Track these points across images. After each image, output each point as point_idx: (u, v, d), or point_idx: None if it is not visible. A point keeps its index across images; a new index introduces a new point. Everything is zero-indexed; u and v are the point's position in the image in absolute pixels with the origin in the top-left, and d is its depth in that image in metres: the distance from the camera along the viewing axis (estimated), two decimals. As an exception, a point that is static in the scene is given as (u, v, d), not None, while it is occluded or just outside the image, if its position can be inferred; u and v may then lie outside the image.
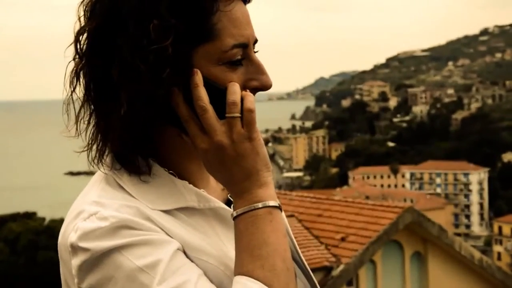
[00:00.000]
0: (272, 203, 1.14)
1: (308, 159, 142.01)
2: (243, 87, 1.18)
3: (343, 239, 13.59)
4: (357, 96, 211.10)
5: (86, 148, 1.21)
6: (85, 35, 1.18)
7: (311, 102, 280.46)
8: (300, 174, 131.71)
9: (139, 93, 1.11)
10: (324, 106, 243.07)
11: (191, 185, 1.21)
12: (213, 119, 1.14)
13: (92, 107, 1.19)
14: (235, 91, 1.15)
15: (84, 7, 1.19)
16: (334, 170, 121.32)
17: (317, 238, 13.92)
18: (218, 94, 1.15)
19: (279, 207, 1.16)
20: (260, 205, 1.14)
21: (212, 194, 1.24)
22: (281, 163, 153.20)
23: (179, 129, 1.18)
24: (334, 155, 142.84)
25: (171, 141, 1.21)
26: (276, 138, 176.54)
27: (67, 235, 1.12)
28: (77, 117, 1.20)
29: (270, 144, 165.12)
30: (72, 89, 1.19)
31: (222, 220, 1.21)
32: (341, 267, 12.66)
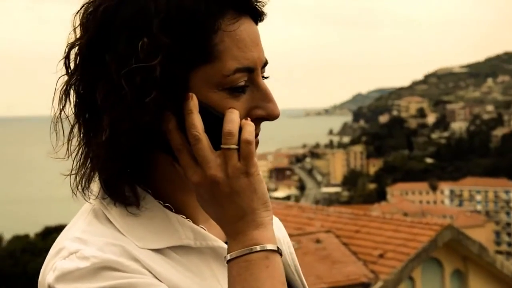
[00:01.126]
0: (269, 246, 1.03)
1: (346, 175, 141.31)
2: (247, 116, 1.07)
3: (381, 256, 13.53)
4: (395, 112, 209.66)
5: (73, 172, 1.10)
6: (76, 49, 1.08)
7: (348, 118, 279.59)
8: (338, 189, 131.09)
9: (122, 117, 1.01)
10: (362, 122, 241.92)
11: (187, 221, 1.11)
12: (206, 150, 1.03)
13: (82, 128, 1.10)
14: (232, 119, 1.04)
15: (80, 17, 1.09)
16: (372, 186, 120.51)
17: (355, 254, 13.87)
18: (215, 122, 1.04)
19: (278, 251, 1.04)
20: (257, 248, 1.02)
21: (212, 231, 1.14)
22: (319, 178, 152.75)
23: (172, 157, 1.08)
24: (372, 170, 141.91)
25: (165, 171, 1.10)
26: (313, 153, 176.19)
27: (46, 274, 1.03)
28: (68, 136, 1.10)
29: (308, 160, 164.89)
30: (61, 107, 1.09)
31: (222, 260, 1.10)
32: (379, 283, 12.58)
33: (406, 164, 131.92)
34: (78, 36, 1.08)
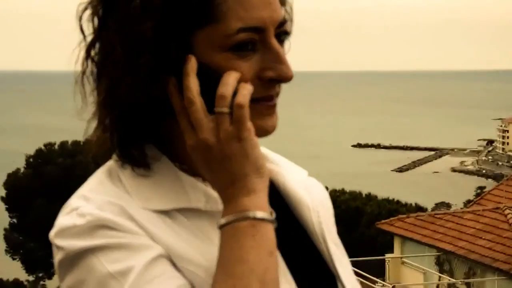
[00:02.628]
0: (259, 214, 0.98)
1: None
2: (257, 78, 1.02)
3: None
4: None
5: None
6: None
7: None
8: None
9: (117, 80, 1.00)
10: None
11: (201, 184, 1.07)
12: (200, 113, 0.99)
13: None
14: (227, 82, 0.99)
15: None
16: None
17: None
18: (215, 84, 0.99)
19: (269, 220, 0.99)
20: (246, 215, 0.97)
21: None
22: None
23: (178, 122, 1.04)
24: None
25: (180, 134, 1.04)
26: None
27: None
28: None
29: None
30: (84, 67, 1.07)
31: None
32: None
33: None
34: None
